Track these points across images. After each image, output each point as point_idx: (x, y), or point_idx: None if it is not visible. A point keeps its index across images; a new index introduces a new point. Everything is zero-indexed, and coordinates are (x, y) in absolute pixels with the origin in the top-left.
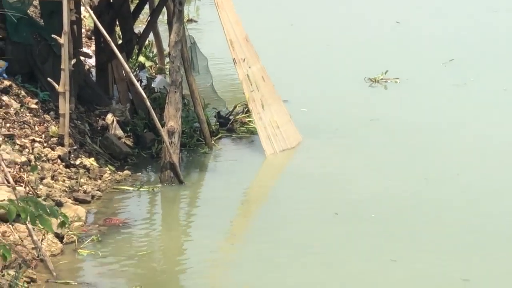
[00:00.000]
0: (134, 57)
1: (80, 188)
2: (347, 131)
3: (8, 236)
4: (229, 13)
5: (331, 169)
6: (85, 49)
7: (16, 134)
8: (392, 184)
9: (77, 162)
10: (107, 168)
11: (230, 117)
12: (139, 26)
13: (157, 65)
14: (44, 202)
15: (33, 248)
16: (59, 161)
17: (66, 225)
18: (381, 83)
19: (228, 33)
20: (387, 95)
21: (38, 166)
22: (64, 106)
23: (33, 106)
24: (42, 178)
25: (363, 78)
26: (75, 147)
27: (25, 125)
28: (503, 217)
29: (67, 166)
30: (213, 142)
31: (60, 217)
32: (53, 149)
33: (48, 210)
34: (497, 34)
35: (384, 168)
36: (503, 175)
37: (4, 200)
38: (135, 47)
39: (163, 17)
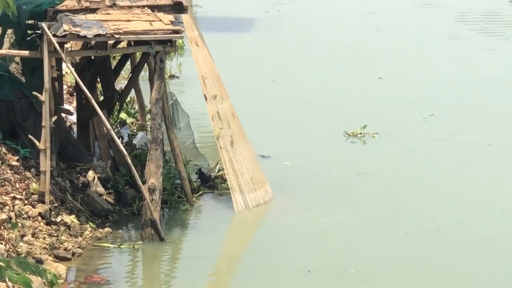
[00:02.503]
0: (115, 113)
1: (60, 245)
2: (329, 186)
3: None
4: (202, 49)
5: (313, 224)
6: (66, 106)
7: None
8: (373, 239)
9: (58, 219)
10: (88, 225)
11: (212, 174)
12: (120, 82)
13: (139, 122)
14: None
15: None
16: (39, 218)
17: (55, 286)
18: (359, 137)
19: (200, 69)
20: (366, 150)
21: (19, 224)
22: (45, 163)
23: (14, 163)
24: (22, 236)
25: (342, 133)
26: (56, 204)
27: (6, 182)
28: (483, 272)
29: (47, 224)
30: (194, 199)
31: (49, 276)
32: (33, 206)
33: (34, 269)
34: (478, 88)
35: (366, 224)
36: (484, 231)
37: None
38: (117, 103)
39: (145, 74)
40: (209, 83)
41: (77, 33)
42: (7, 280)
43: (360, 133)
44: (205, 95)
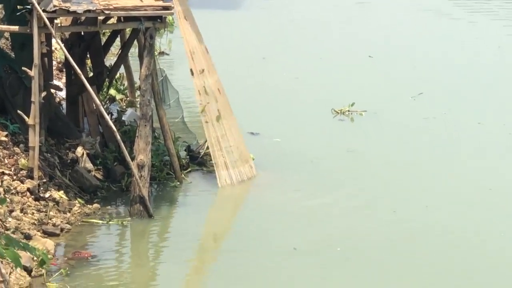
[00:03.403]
0: (104, 90)
1: (49, 221)
2: (318, 164)
3: None
4: (190, 23)
5: (302, 202)
6: (55, 82)
7: None
8: (361, 217)
9: (47, 195)
10: (77, 201)
11: (201, 151)
12: (110, 59)
13: (128, 98)
14: (14, 236)
15: (0, 282)
16: (28, 194)
17: (46, 265)
18: (347, 115)
19: (188, 42)
20: (355, 128)
21: (7, 199)
22: (34, 139)
23: (3, 138)
24: (11, 211)
25: (330, 110)
26: (44, 180)
27: None
28: (470, 250)
29: (36, 199)
30: (183, 175)
31: (39, 254)
32: (22, 182)
33: (23, 247)
34: (468, 66)
35: (355, 202)
36: (471, 209)
37: None
38: (106, 80)
39: (134, 50)
40: (197, 57)
41: (67, 8)
42: None
43: (348, 111)
44: (191, 69)
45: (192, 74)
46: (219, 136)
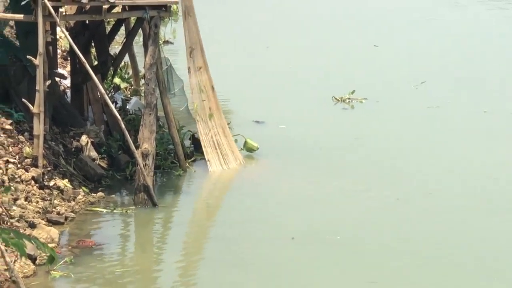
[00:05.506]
0: (109, 78)
1: (53, 209)
2: (323, 151)
3: None
4: (193, 20)
5: (306, 190)
6: (60, 70)
7: None
8: (364, 205)
9: (51, 183)
10: (81, 190)
11: None
12: (114, 48)
13: (132, 87)
14: (18, 224)
15: (5, 269)
16: (33, 182)
17: (55, 261)
18: (347, 103)
19: (190, 40)
20: (356, 115)
21: (12, 187)
22: (39, 127)
23: (8, 127)
24: (15, 199)
25: (331, 98)
26: (49, 169)
27: None
28: (472, 238)
29: (40, 188)
30: (187, 164)
31: (46, 251)
32: (27, 170)
33: (33, 243)
34: (472, 57)
35: (359, 189)
36: (475, 198)
37: None
38: (111, 68)
39: (139, 39)
40: (195, 54)
41: None
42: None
43: (349, 98)
44: (189, 67)
45: (189, 72)
46: (212, 134)
